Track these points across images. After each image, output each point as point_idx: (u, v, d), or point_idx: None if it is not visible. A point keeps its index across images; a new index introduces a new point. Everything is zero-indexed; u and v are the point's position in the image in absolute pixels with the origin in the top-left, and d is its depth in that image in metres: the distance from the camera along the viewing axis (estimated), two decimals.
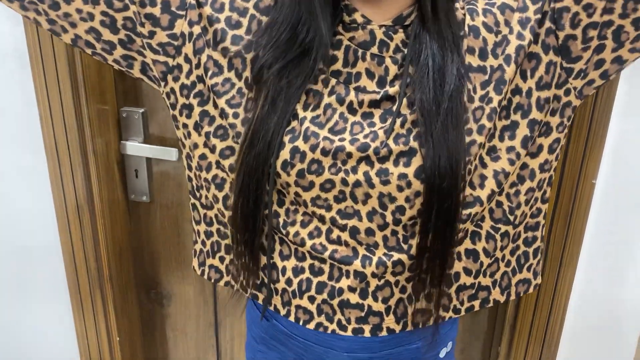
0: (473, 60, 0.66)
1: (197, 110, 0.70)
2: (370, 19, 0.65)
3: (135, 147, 1.21)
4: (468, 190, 0.67)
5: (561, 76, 0.67)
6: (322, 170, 0.66)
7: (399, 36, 0.66)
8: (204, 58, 0.69)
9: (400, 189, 0.65)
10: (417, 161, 0.64)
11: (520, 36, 0.65)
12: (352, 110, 0.66)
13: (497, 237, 0.72)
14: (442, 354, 0.82)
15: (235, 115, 0.68)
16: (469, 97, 0.65)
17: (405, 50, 0.66)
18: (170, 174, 1.24)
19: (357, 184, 0.65)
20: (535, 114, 0.67)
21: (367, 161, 0.65)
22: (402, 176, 0.64)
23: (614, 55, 0.65)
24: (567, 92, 0.68)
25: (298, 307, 0.73)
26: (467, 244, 0.71)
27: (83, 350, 1.35)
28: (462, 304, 0.75)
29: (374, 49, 0.66)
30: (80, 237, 1.23)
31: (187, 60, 0.69)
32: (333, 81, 0.67)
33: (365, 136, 0.65)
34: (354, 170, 0.65)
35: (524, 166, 0.70)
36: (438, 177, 0.63)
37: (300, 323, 0.74)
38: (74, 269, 1.26)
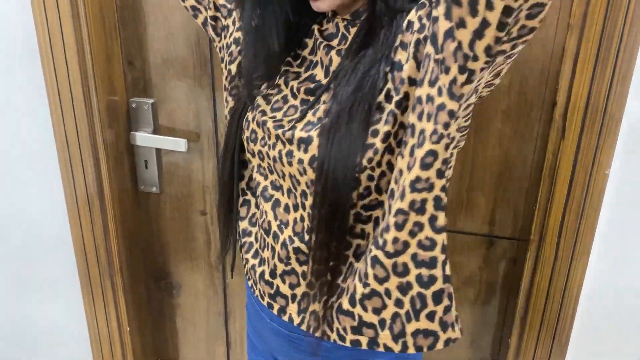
0: (403, 57, 0.62)
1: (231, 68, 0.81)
2: (337, 12, 0.70)
3: (144, 138, 1.21)
4: (374, 195, 0.66)
5: (434, 71, 0.57)
6: (256, 141, 0.73)
7: (355, 30, 0.67)
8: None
9: (300, 173, 0.68)
10: (312, 150, 0.66)
11: (421, 28, 0.59)
12: (293, 94, 0.72)
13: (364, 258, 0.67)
14: None
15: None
16: (386, 97, 0.62)
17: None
18: (180, 165, 1.24)
19: (275, 159, 0.71)
20: (407, 117, 0.61)
21: (281, 141, 0.69)
22: (300, 161, 0.67)
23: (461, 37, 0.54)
24: (440, 92, 0.57)
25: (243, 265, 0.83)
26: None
27: (94, 340, 1.36)
28: (345, 331, 0.70)
29: (335, 42, 0.70)
30: (90, 228, 1.23)
31: (234, 22, 0.79)
32: (288, 66, 0.74)
33: (290, 120, 0.70)
34: (274, 146, 0.71)
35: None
36: (330, 169, 0.63)
37: (247, 279, 0.83)
38: (84, 260, 1.27)
